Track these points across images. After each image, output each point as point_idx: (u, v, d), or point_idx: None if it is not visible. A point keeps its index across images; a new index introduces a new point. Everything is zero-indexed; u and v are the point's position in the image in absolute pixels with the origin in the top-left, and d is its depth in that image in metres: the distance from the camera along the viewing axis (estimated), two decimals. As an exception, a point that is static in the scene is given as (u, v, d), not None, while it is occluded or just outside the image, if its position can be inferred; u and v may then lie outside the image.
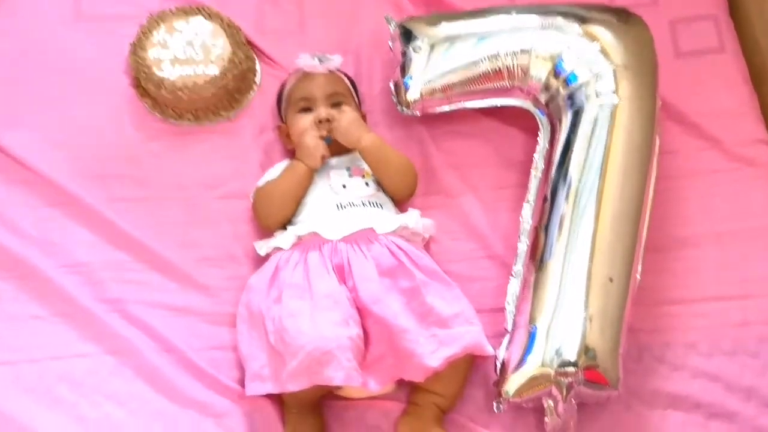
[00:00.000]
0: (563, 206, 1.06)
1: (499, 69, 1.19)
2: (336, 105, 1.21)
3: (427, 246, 1.19)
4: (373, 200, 1.15)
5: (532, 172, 1.17)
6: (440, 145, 1.28)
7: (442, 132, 1.29)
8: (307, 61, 1.23)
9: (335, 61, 1.24)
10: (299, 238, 1.10)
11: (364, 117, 1.26)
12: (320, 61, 1.23)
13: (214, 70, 1.27)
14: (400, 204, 1.21)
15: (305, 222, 1.12)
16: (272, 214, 1.15)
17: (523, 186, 1.21)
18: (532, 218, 1.13)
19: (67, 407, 1.03)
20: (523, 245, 1.12)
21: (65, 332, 1.09)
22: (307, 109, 1.21)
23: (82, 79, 1.31)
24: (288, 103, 1.25)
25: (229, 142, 1.28)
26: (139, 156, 1.25)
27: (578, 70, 1.14)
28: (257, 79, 1.34)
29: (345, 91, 1.24)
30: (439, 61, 1.21)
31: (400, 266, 1.06)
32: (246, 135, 1.29)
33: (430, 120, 1.28)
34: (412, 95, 1.21)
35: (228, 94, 1.29)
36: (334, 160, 1.19)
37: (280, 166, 1.21)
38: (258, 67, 1.35)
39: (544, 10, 1.21)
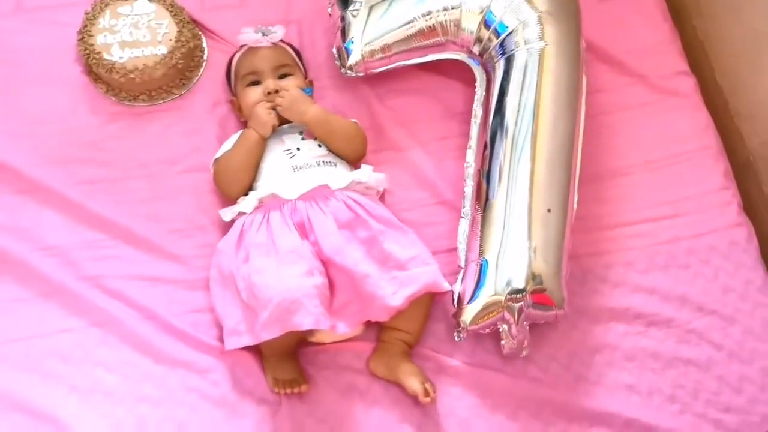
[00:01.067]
0: (502, 149, 1.15)
1: (433, 26, 1.26)
2: (283, 76, 1.27)
3: (382, 198, 1.27)
4: (326, 160, 1.22)
5: (472, 120, 1.26)
6: (386, 104, 1.35)
7: (386, 91, 1.36)
8: (250, 36, 1.28)
9: (278, 33, 1.30)
10: (260, 201, 1.17)
11: (311, 84, 1.33)
12: (263, 34, 1.29)
13: (162, 50, 1.32)
14: (353, 164, 1.29)
15: (264, 186, 1.19)
16: (232, 183, 1.21)
17: (466, 135, 1.30)
18: (475, 162, 1.22)
19: (59, 379, 1.10)
20: (469, 188, 1.21)
21: (49, 310, 1.15)
22: (255, 83, 1.27)
23: (34, 70, 1.34)
24: (237, 78, 1.30)
25: (184, 118, 1.33)
26: (98, 139, 1.30)
27: (506, 19, 1.22)
28: (205, 55, 1.39)
29: (291, 62, 1.30)
30: (377, 23, 1.28)
31: (356, 218, 1.14)
32: (199, 110, 1.34)
33: (374, 80, 1.35)
34: (353, 58, 1.28)
35: (178, 72, 1.34)
36: (286, 126, 1.26)
37: (234, 138, 1.26)
38: (204, 44, 1.40)
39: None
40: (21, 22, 1.38)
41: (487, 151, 1.18)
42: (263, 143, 1.23)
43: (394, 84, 1.36)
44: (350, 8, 1.29)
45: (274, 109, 1.23)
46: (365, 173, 1.21)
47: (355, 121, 1.30)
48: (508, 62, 1.21)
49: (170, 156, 1.30)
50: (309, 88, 1.30)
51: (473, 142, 1.24)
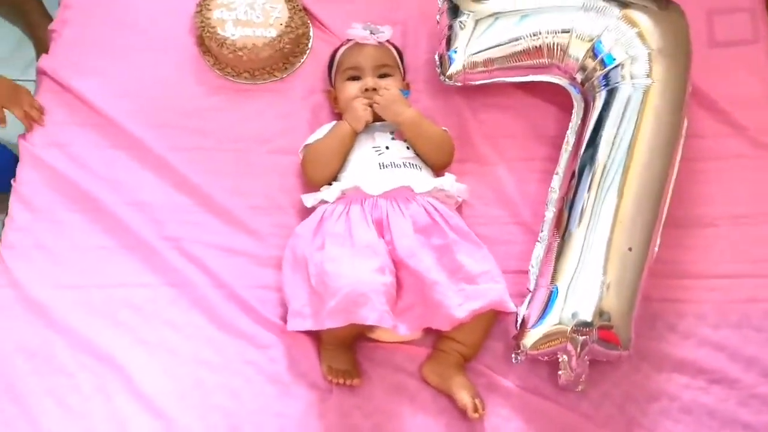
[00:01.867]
0: (591, 181, 1.14)
1: (539, 47, 1.26)
2: (383, 76, 1.30)
3: (459, 209, 1.28)
4: (412, 162, 1.24)
5: (564, 146, 1.25)
6: (477, 116, 1.36)
7: (480, 104, 1.37)
8: (359, 32, 1.31)
9: (386, 33, 1.32)
10: (343, 192, 1.19)
11: (407, 86, 1.35)
12: (371, 32, 1.31)
13: (272, 33, 1.36)
14: (437, 171, 1.30)
15: (349, 177, 1.22)
16: (319, 170, 1.25)
17: (553, 160, 1.29)
18: (560, 189, 1.21)
19: (129, 330, 1.16)
20: (550, 213, 1.20)
21: (129, 263, 1.21)
22: (355, 78, 1.30)
23: (150, 34, 1.41)
24: (338, 70, 1.33)
25: (281, 100, 1.38)
26: (198, 109, 1.36)
27: (615, 51, 1.21)
28: (310, 43, 1.43)
29: (392, 63, 1.32)
30: (483, 37, 1.29)
31: (434, 225, 1.15)
32: (296, 95, 1.38)
33: (470, 91, 1.36)
34: (455, 67, 1.29)
35: (283, 56, 1.39)
36: (378, 124, 1.28)
37: (326, 127, 1.30)
38: (311, 32, 1.44)
39: (586, -8, 1.27)
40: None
41: (574, 180, 1.17)
42: (354, 137, 1.25)
43: (488, 98, 1.37)
44: (459, 18, 1.30)
45: (370, 106, 1.25)
46: (448, 181, 1.23)
47: (446, 129, 1.31)
48: (610, 94, 1.20)
49: (262, 135, 1.34)
50: (407, 90, 1.32)
51: (561, 168, 1.24)
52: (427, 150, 1.26)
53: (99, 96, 1.35)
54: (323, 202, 1.21)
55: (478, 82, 1.32)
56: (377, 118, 1.27)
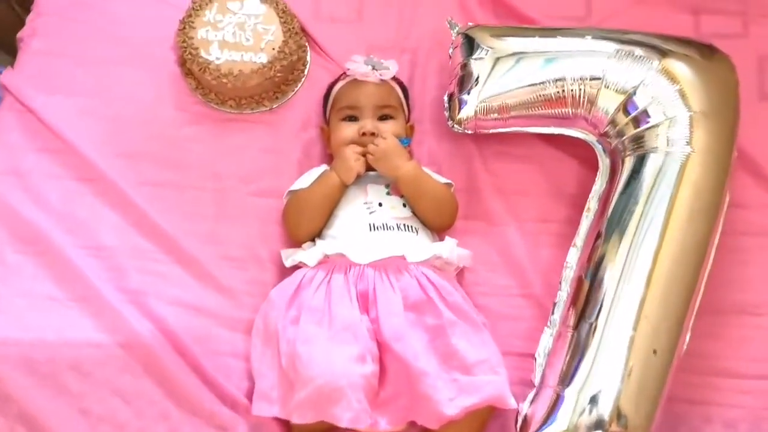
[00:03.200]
0: (613, 262, 0.98)
1: (564, 95, 1.09)
2: (384, 118, 1.14)
3: (460, 273, 1.13)
4: (408, 224, 1.09)
5: (585, 213, 1.09)
6: (489, 166, 1.20)
7: (493, 152, 1.21)
8: (359, 67, 1.16)
9: (390, 69, 1.16)
10: (326, 256, 1.05)
11: (411, 129, 1.20)
12: (374, 68, 1.15)
13: (262, 59, 1.20)
14: (437, 232, 1.14)
15: (335, 239, 1.07)
16: (301, 226, 1.10)
17: (571, 222, 1.13)
18: (576, 266, 1.05)
19: (73, 398, 1.01)
20: (564, 293, 1.04)
21: (79, 318, 1.06)
22: (352, 118, 1.15)
23: (127, 48, 1.26)
24: (333, 108, 1.18)
25: (269, 134, 1.22)
26: (175, 138, 1.20)
27: (651, 110, 1.04)
28: (306, 70, 1.28)
29: (396, 103, 1.17)
30: (501, 79, 1.12)
31: (428, 302, 1.00)
32: (287, 129, 1.23)
33: (482, 137, 1.20)
34: (465, 112, 1.13)
35: (274, 85, 1.23)
36: (373, 174, 1.13)
37: (315, 171, 1.15)
38: (308, 57, 1.28)
39: (621, 37, 1.10)
40: (128, -5, 1.30)
41: (594, 260, 1.01)
42: (343, 189, 1.10)
43: (502, 146, 1.21)
44: (475, 55, 1.14)
45: (364, 155, 1.10)
46: (448, 248, 1.07)
47: (450, 182, 1.15)
48: (642, 161, 1.03)
49: (245, 173, 1.19)
50: (407, 139, 1.16)
51: (579, 240, 1.07)
52: (426, 210, 1.10)
53: (65, 117, 1.20)
54: (304, 264, 1.06)
55: (491, 131, 1.16)
56: (371, 167, 1.12)
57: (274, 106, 1.24)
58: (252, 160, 1.20)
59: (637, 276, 0.96)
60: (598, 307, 0.97)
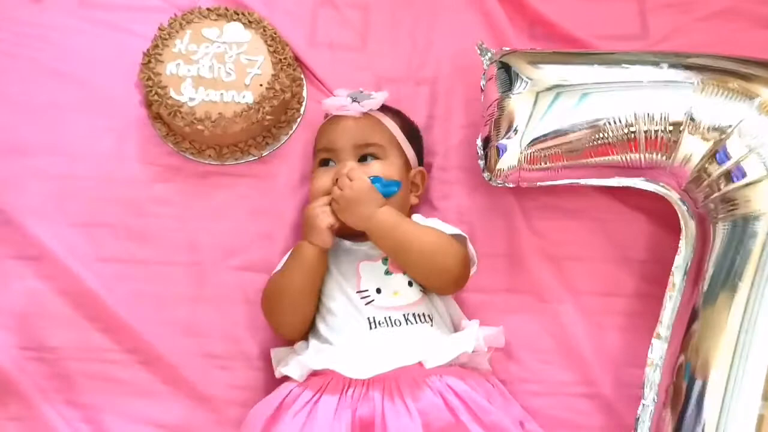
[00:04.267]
0: (715, 365, 0.73)
1: (633, 137, 0.85)
2: (367, 158, 0.90)
3: (502, 364, 0.88)
4: (420, 312, 0.84)
5: (668, 292, 0.84)
6: (533, 225, 0.96)
7: (538, 206, 0.97)
8: (335, 101, 0.92)
9: (374, 100, 0.92)
10: (314, 371, 0.80)
11: (422, 176, 0.95)
12: (354, 100, 0.92)
13: (248, 99, 0.97)
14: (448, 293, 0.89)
15: (328, 345, 0.82)
16: (281, 322, 0.86)
17: (642, 298, 0.90)
18: (662, 362, 0.80)
19: None
20: (649, 404, 0.79)
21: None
22: (328, 162, 0.92)
23: (81, 89, 1.02)
24: (313, 152, 0.95)
25: (259, 191, 0.98)
26: (141, 200, 0.96)
27: (751, 161, 0.80)
28: (302, 109, 1.04)
29: (383, 140, 0.91)
30: (550, 119, 0.88)
31: (457, 425, 0.75)
32: (281, 183, 0.99)
33: (525, 188, 0.96)
34: (506, 162, 0.89)
35: (263, 129, 0.99)
36: (365, 246, 0.88)
37: None
38: (305, 93, 1.05)
39: (703, 63, 0.86)
40: (83, 21, 1.06)
41: (685, 356, 0.76)
42: (323, 259, 0.85)
43: (549, 197, 0.97)
44: (514, 90, 0.90)
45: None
46: (472, 337, 0.82)
47: (459, 233, 0.89)
48: (744, 225, 0.78)
49: (229, 242, 0.95)
50: (394, 182, 0.89)
51: (663, 328, 0.82)
52: (416, 270, 0.85)
53: (3, 177, 0.96)
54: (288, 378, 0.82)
55: (538, 184, 0.92)
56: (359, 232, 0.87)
57: (264, 155, 1.00)
58: (238, 226, 0.96)
59: (749, 391, 0.71)
60: (697, 427, 0.72)
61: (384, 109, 0.94)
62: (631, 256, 0.93)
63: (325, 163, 0.91)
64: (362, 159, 0.90)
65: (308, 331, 0.86)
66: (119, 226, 0.95)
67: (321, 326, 0.84)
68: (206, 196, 0.98)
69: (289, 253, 0.88)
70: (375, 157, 0.90)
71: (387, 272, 0.85)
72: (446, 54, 1.06)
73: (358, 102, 0.91)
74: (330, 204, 0.85)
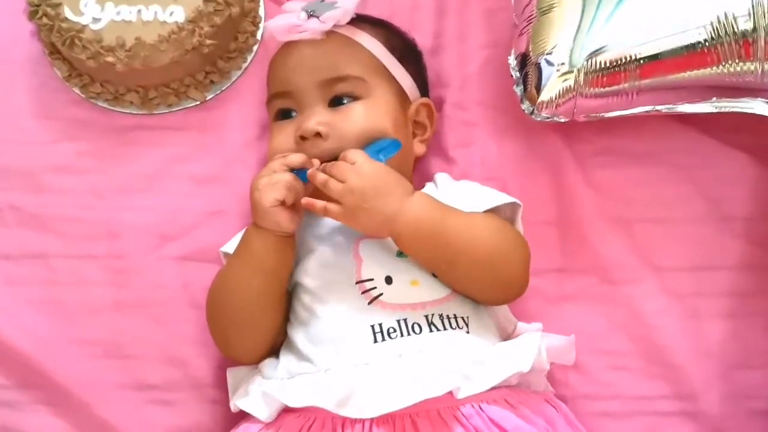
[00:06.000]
0: None
1: (750, 38, 0.57)
2: (338, 102, 0.61)
3: (553, 368, 0.62)
4: (452, 311, 0.57)
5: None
6: (592, 176, 0.68)
7: (596, 150, 0.69)
8: (280, 20, 0.63)
9: (342, 8, 0.62)
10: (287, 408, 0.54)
11: (430, 111, 0.66)
12: (309, 14, 0.62)
13: (177, 16, 0.68)
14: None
15: (306, 372, 0.55)
16: (231, 342, 0.59)
17: (758, 269, 0.64)
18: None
19: None
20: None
21: None
22: (286, 113, 0.63)
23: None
24: (267, 101, 0.66)
25: (202, 150, 0.71)
26: (35, 170, 0.69)
27: None
28: (259, 31, 0.75)
29: (362, 69, 0.62)
30: (615, 17, 0.60)
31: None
32: (232, 137, 0.71)
33: (574, 126, 0.68)
34: (555, 85, 0.61)
35: (203, 60, 0.70)
36: None
37: None
38: (261, 9, 0.76)
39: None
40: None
41: None
42: (284, 249, 0.58)
43: (610, 137, 0.69)
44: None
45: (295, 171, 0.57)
46: (527, 353, 0.55)
47: (513, 201, 0.62)
48: None
49: (163, 223, 0.68)
50: (393, 141, 0.60)
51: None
52: (467, 282, 0.58)
53: None
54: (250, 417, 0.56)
55: (607, 115, 0.64)
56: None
57: (209, 98, 0.72)
58: (174, 199, 0.69)
59: None
60: None
61: (358, 21, 0.64)
62: (732, 213, 0.67)
63: (283, 114, 0.63)
64: (335, 102, 0.61)
65: (277, 344, 0.59)
66: (4, 206, 0.67)
67: (298, 337, 0.57)
68: (129, 159, 0.70)
69: (239, 235, 0.61)
70: (352, 97, 0.61)
71: (400, 253, 0.58)
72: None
73: (317, 16, 0.62)
74: (324, 208, 0.55)
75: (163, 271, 0.66)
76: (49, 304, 0.65)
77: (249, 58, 0.74)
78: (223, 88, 0.73)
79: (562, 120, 0.64)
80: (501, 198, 0.61)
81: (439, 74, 0.73)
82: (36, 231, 0.67)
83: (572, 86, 0.61)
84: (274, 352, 0.59)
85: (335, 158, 0.59)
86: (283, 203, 0.56)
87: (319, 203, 0.55)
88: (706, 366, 0.63)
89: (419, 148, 0.65)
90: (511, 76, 0.66)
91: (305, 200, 0.56)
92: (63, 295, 0.65)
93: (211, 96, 0.72)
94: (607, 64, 0.61)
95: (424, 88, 0.68)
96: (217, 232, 0.67)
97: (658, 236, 0.67)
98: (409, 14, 0.75)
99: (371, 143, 0.59)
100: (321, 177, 0.55)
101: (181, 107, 0.72)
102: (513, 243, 0.59)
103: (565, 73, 0.61)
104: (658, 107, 0.63)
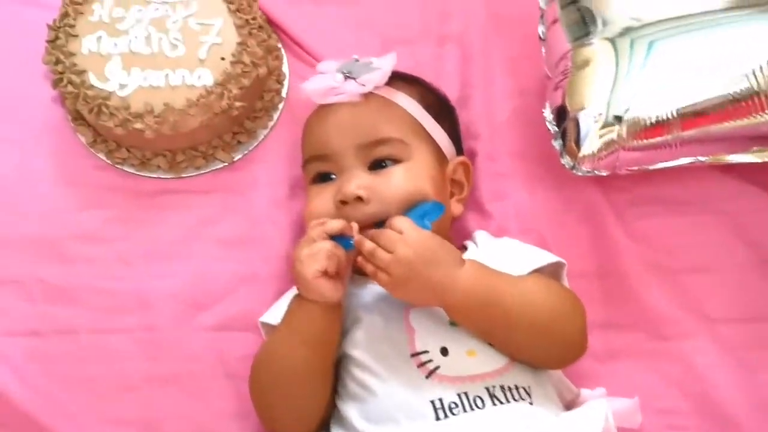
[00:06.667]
0: None
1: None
2: (379, 165, 0.60)
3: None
4: (513, 381, 0.54)
5: None
6: (632, 226, 0.67)
7: (633, 198, 0.68)
8: (320, 81, 0.62)
9: (379, 70, 0.61)
10: None
11: (467, 170, 0.65)
12: (346, 75, 0.62)
13: (206, 79, 0.67)
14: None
15: None
16: (278, 419, 0.56)
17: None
18: None
19: None
20: None
21: None
22: (325, 176, 0.61)
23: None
24: (303, 163, 0.64)
25: (232, 212, 0.69)
26: (61, 240, 0.67)
27: None
28: (284, 89, 0.74)
29: (402, 131, 0.61)
30: (655, 69, 0.60)
31: None
32: (262, 197, 0.69)
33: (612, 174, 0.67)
34: (597, 140, 0.59)
35: (232, 121, 0.69)
36: None
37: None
38: (285, 67, 0.75)
39: None
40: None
41: None
42: (331, 320, 0.55)
43: (646, 185, 0.67)
44: (594, 36, 0.61)
45: (356, 259, 0.55)
46: (596, 421, 0.52)
47: (558, 261, 0.60)
48: None
49: (195, 290, 0.65)
50: (437, 204, 0.59)
51: None
52: (524, 349, 0.55)
53: None
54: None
55: (650, 167, 0.63)
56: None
57: (237, 159, 0.71)
58: (206, 265, 0.66)
59: None
60: None
61: (394, 80, 0.63)
62: (781, 262, 0.65)
63: (322, 177, 0.61)
64: (375, 165, 0.60)
65: (324, 417, 0.57)
66: (30, 280, 0.65)
67: (351, 413, 0.54)
68: (157, 225, 0.68)
69: (283, 299, 0.59)
70: (393, 159, 0.60)
71: (452, 323, 0.56)
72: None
73: (354, 78, 0.61)
74: (376, 271, 0.53)
75: (197, 342, 0.64)
76: (79, 381, 0.62)
77: (275, 116, 0.73)
78: (251, 148, 0.71)
79: (604, 174, 0.63)
80: (545, 257, 0.59)
81: (468, 125, 0.71)
82: (64, 305, 0.64)
83: (614, 139, 0.60)
84: (321, 425, 0.57)
85: (376, 222, 0.57)
86: (325, 273, 0.54)
87: (370, 266, 0.53)
88: (765, 420, 0.61)
89: (457, 208, 0.64)
90: (548, 129, 0.65)
91: (360, 260, 0.54)
92: (93, 371, 0.62)
93: (238, 156, 0.71)
94: (648, 117, 0.60)
95: (458, 145, 0.67)
96: (250, 297, 0.65)
97: (704, 286, 0.65)
98: (433, 65, 0.74)
99: (413, 207, 0.58)
100: (368, 245, 0.53)
101: (208, 169, 0.70)
102: (569, 303, 0.57)
103: (606, 127, 0.60)
104: (701, 158, 0.62)
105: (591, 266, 0.66)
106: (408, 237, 0.53)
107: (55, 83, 0.67)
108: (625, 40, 0.61)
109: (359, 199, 0.57)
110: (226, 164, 0.70)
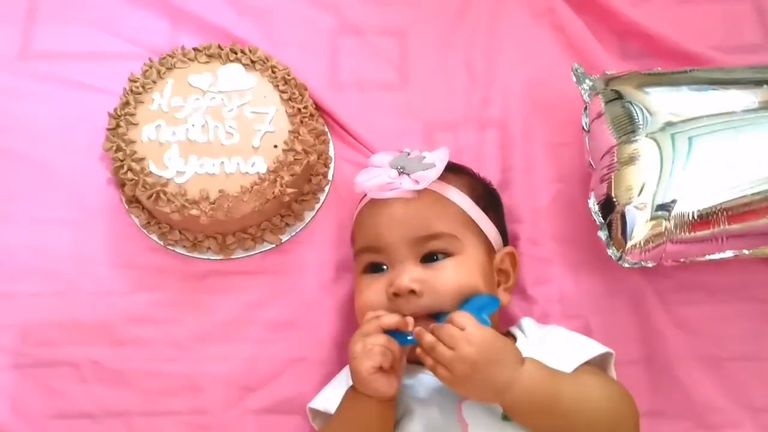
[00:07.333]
0: None
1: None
2: (431, 258, 0.61)
3: None
4: None
5: None
6: (676, 313, 0.68)
7: (676, 285, 0.69)
8: (375, 178, 0.63)
9: (434, 168, 0.63)
10: None
11: (513, 260, 0.66)
12: (401, 170, 0.63)
13: (260, 167, 0.69)
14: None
15: None
16: None
17: None
18: None
19: None
20: None
21: None
22: (377, 267, 0.62)
23: (23, 165, 0.75)
24: (354, 251, 0.66)
25: (280, 293, 0.70)
26: (113, 322, 0.68)
27: None
28: (330, 173, 0.76)
29: (454, 226, 0.62)
30: (701, 165, 0.62)
31: None
32: (309, 279, 0.71)
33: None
34: (644, 233, 0.61)
35: (281, 206, 0.72)
36: None
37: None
38: (331, 151, 0.78)
39: None
40: (25, 77, 0.79)
41: None
42: (385, 413, 0.56)
43: (688, 272, 0.68)
44: (640, 132, 0.63)
45: (399, 335, 0.56)
46: None
47: (608, 352, 0.60)
48: None
49: (244, 373, 0.66)
50: (492, 297, 0.60)
51: None
52: None
53: None
54: None
55: (697, 259, 0.64)
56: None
57: (284, 241, 0.73)
58: (254, 347, 0.68)
59: None
60: None
61: (445, 172, 0.64)
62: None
63: (373, 268, 0.63)
64: (427, 258, 0.61)
65: None
66: (83, 362, 0.66)
67: None
68: (206, 307, 0.69)
69: (335, 379, 0.60)
70: (445, 253, 0.61)
71: (505, 417, 0.56)
72: (515, 84, 0.80)
73: (408, 174, 0.63)
74: (435, 365, 0.53)
75: (246, 425, 0.64)
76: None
77: (321, 198, 0.75)
78: (298, 230, 0.73)
79: (650, 265, 0.64)
80: (596, 348, 0.60)
81: (510, 209, 0.73)
82: (116, 387, 0.65)
83: (661, 232, 0.61)
84: None
85: (429, 315, 0.59)
86: (380, 368, 0.55)
87: (430, 360, 0.54)
88: None
89: (504, 297, 0.64)
90: (591, 217, 0.66)
91: (419, 352, 0.55)
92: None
93: (286, 238, 0.73)
94: (694, 211, 0.61)
95: (504, 234, 0.68)
96: (298, 380, 0.66)
97: (750, 374, 0.65)
98: (475, 149, 0.77)
99: (467, 300, 0.59)
100: (428, 339, 0.54)
101: (258, 251, 0.72)
102: (625, 401, 0.57)
103: (654, 220, 0.62)
104: (745, 251, 0.63)
105: (636, 353, 0.67)
106: (470, 335, 0.53)
107: (116, 170, 0.69)
108: (666, 136, 0.64)
109: (412, 292, 0.59)
110: (275, 246, 0.72)
